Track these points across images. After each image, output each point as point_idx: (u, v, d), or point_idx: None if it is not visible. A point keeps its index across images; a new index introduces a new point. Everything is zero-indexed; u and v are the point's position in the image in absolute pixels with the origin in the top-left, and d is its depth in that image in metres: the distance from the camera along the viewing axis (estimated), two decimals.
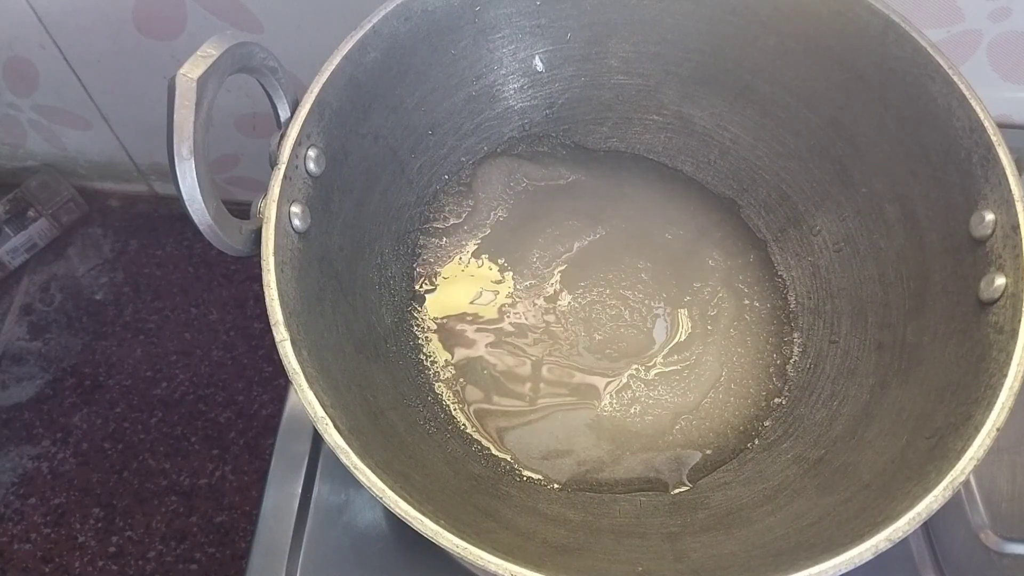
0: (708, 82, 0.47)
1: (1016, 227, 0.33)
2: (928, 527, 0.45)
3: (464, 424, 0.43)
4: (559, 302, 0.46)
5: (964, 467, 0.30)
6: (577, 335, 0.45)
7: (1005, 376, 0.31)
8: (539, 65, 0.47)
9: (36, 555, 0.82)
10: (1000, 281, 0.33)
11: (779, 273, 0.48)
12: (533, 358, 0.45)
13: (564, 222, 0.48)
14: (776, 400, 0.44)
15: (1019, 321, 0.32)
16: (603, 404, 0.44)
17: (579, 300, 0.46)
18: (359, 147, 0.40)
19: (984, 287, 0.34)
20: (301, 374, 0.30)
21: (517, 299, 0.46)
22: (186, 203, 0.31)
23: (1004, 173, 0.34)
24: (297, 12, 0.65)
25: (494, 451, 0.42)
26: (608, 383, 0.44)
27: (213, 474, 0.86)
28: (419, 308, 0.45)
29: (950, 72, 0.36)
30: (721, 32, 0.44)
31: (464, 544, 0.28)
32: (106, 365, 0.92)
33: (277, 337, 0.31)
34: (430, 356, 0.44)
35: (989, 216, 0.35)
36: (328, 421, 0.30)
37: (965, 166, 0.36)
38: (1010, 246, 0.33)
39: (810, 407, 0.43)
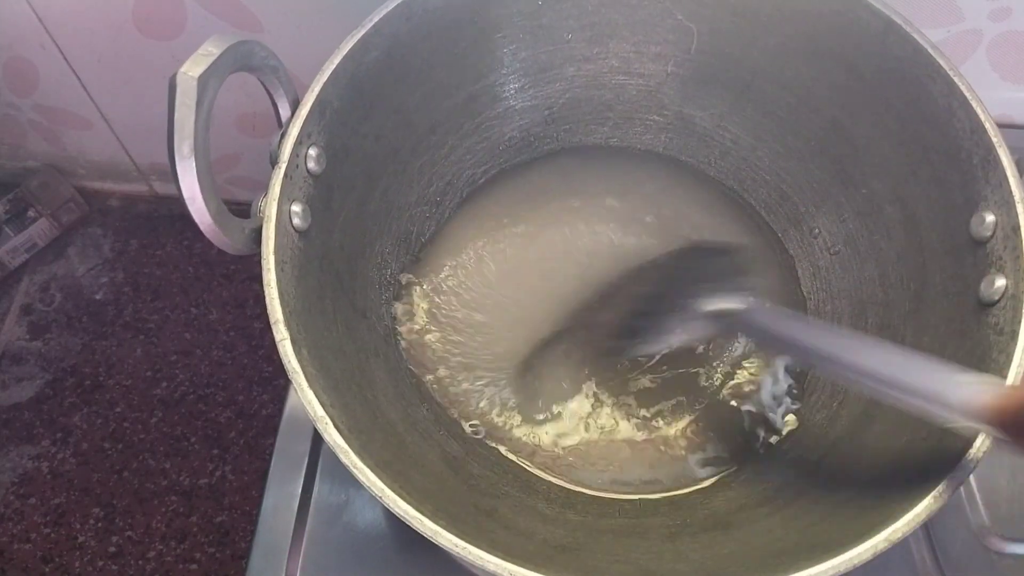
0: (709, 82, 0.47)
1: (1016, 228, 0.33)
2: (928, 527, 0.44)
3: (463, 424, 0.43)
4: (563, 302, 0.46)
5: (964, 467, 0.30)
6: (583, 336, 0.45)
7: (1005, 377, 0.31)
8: (539, 65, 0.47)
9: (36, 555, 0.82)
10: (1000, 283, 0.33)
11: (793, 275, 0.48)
12: (536, 359, 0.45)
13: (567, 221, 0.48)
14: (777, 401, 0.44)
15: (1019, 322, 0.32)
16: (605, 406, 0.44)
17: (583, 300, 0.46)
18: (360, 146, 0.40)
19: (984, 288, 0.34)
20: (301, 373, 0.30)
21: (520, 299, 0.46)
22: (187, 202, 0.31)
23: (1005, 174, 0.34)
24: (297, 11, 0.65)
25: (493, 451, 0.42)
26: (612, 385, 0.44)
27: (213, 474, 0.86)
28: (420, 308, 0.45)
29: (951, 73, 0.36)
30: (722, 32, 0.44)
31: (464, 544, 0.28)
32: (106, 365, 0.92)
33: (277, 336, 0.31)
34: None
35: (990, 217, 0.35)
36: (328, 420, 0.30)
37: (965, 167, 0.36)
38: (1010, 247, 0.33)
39: (810, 408, 0.43)
